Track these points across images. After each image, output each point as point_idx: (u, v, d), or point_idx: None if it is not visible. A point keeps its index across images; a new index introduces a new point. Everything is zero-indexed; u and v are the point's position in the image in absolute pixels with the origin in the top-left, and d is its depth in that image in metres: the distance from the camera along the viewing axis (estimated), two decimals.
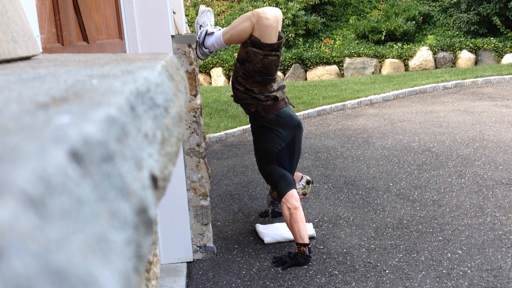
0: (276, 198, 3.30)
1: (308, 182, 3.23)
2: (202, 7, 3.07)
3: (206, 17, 2.99)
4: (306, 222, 3.19)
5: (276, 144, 2.97)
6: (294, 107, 3.17)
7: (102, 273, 0.26)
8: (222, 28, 2.98)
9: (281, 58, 2.92)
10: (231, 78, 3.03)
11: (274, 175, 2.97)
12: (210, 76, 11.25)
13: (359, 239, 3.18)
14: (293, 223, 2.85)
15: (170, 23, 2.76)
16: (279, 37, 2.80)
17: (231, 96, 3.11)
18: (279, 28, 2.80)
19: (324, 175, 4.46)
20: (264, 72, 2.82)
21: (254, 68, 2.81)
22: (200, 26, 2.99)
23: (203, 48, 2.95)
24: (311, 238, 3.16)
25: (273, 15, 2.75)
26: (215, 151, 5.58)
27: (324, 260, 2.94)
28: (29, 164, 0.25)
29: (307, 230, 2.97)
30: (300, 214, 2.85)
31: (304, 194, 3.27)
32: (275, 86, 2.93)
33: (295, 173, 3.18)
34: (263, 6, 11.14)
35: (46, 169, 0.25)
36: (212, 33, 2.93)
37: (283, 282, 2.72)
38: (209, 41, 2.93)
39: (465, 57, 10.70)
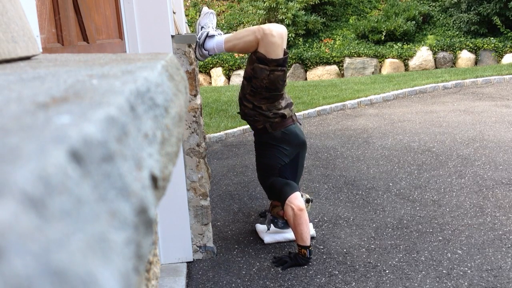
0: (276, 216, 3.20)
1: (307, 201, 3.16)
2: (205, 9, 3.07)
3: (209, 19, 3.00)
4: None
5: (279, 160, 2.98)
6: (300, 124, 3.18)
7: (102, 273, 0.26)
8: (222, 31, 2.99)
9: (287, 74, 2.95)
10: (238, 95, 3.04)
11: (277, 184, 2.96)
12: (210, 76, 11.26)
13: (359, 239, 3.18)
14: (296, 225, 2.83)
15: (170, 23, 2.76)
16: (285, 53, 2.83)
17: (238, 113, 3.12)
18: (284, 45, 2.83)
19: (324, 175, 4.46)
20: (271, 88, 2.85)
21: (261, 84, 2.83)
22: (202, 27, 3.00)
23: (203, 49, 2.96)
24: (311, 238, 3.16)
25: (278, 32, 2.78)
26: (215, 151, 5.58)
27: (324, 260, 2.94)
28: (29, 164, 0.25)
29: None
30: (304, 216, 2.84)
31: None
32: (283, 103, 2.95)
33: None
34: (263, 6, 11.15)
35: (46, 169, 0.25)
36: (213, 36, 2.94)
37: (283, 282, 2.72)
38: (210, 44, 2.94)
39: (465, 57, 10.70)
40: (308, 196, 3.19)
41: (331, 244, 3.14)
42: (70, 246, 0.24)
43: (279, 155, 2.98)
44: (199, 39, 2.96)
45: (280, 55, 2.80)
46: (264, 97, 2.88)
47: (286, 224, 3.18)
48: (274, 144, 2.98)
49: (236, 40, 2.88)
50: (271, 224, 3.22)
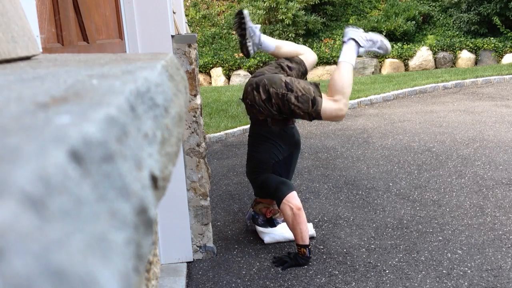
0: (258, 212, 3.22)
1: None
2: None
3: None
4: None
5: (273, 156, 2.98)
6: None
7: (102, 273, 0.26)
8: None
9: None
10: (253, 81, 2.91)
11: (272, 181, 2.93)
12: (210, 76, 11.25)
13: (359, 239, 3.18)
14: (295, 224, 2.83)
15: (170, 23, 2.76)
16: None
17: (240, 99, 3.08)
18: None
19: (324, 175, 4.46)
20: (286, 114, 2.92)
21: (277, 112, 2.91)
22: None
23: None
24: (311, 238, 3.16)
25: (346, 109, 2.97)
26: (215, 151, 5.58)
27: (324, 260, 2.94)
28: (29, 164, 0.25)
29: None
30: (303, 215, 2.84)
31: None
32: None
33: None
34: (263, 6, 11.11)
35: (46, 169, 0.25)
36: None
37: (283, 282, 2.72)
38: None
39: (465, 57, 10.70)
40: None
41: (331, 244, 3.14)
42: (70, 246, 0.24)
43: (273, 150, 2.98)
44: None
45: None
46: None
47: (266, 222, 3.21)
48: (270, 138, 2.98)
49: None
50: (251, 220, 3.26)
